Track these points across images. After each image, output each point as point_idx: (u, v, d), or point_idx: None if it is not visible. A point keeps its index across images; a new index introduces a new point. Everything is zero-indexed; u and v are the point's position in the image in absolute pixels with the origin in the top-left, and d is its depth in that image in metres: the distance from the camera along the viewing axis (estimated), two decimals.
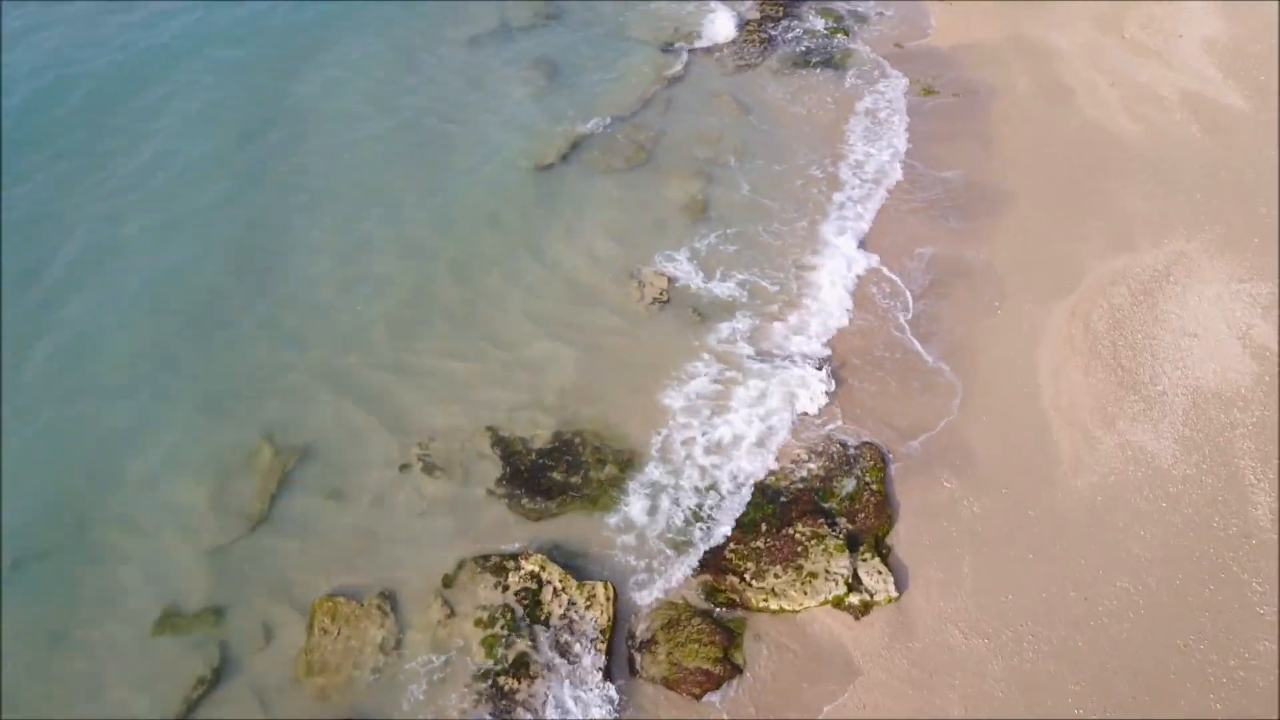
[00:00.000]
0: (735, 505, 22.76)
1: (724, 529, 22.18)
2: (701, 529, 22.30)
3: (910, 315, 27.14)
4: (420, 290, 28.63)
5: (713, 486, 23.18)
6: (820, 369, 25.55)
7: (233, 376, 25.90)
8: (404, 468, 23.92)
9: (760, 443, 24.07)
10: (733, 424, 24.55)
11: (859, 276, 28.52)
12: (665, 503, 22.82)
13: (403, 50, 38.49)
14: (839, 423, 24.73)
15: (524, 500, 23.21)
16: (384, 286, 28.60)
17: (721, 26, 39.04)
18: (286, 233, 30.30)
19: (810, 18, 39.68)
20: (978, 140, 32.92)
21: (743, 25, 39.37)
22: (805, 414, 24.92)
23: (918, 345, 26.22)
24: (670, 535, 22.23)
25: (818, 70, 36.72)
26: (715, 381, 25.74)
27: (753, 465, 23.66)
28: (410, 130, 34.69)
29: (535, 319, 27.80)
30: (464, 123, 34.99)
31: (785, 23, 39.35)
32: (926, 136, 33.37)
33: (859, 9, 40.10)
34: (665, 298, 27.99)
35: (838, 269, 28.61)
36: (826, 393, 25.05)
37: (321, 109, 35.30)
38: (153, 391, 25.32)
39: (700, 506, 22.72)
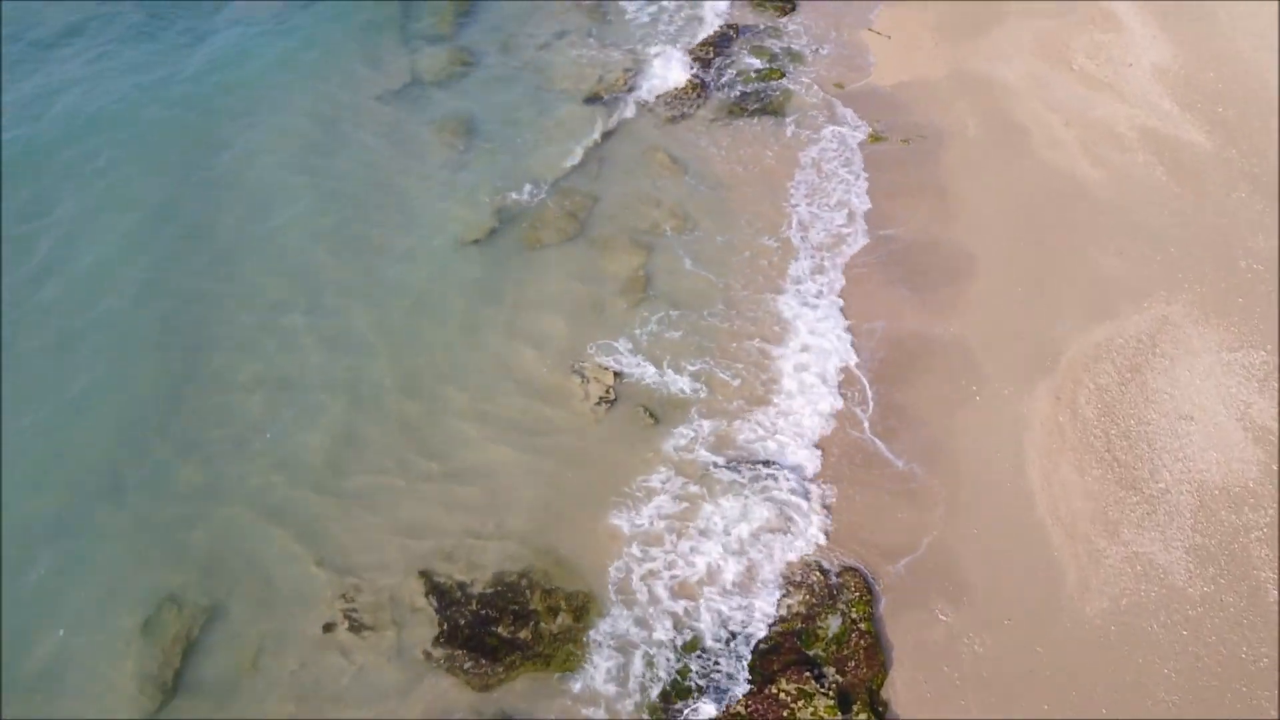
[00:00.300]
0: (724, 675, 19.36)
1: (709, 710, 18.75)
2: (685, 707, 18.85)
3: (871, 409, 24.04)
4: (349, 397, 25.66)
5: (694, 645, 19.76)
6: (804, 487, 22.21)
7: (143, 523, 22.83)
8: (328, 628, 20.43)
9: (741, 583, 20.73)
10: (704, 555, 21.41)
11: (834, 367, 24.95)
12: (637, 664, 19.77)
13: (319, 111, 35.01)
14: (815, 543, 21.47)
15: (467, 664, 19.93)
16: (311, 395, 25.67)
17: (650, 74, 35.38)
18: (207, 332, 27.08)
19: (744, 57, 36.31)
20: (932, 193, 30.03)
21: (671, 71, 35.45)
22: (789, 538, 21.49)
23: (882, 447, 23.13)
24: (646, 711, 18.81)
25: (756, 118, 33.69)
26: (678, 498, 22.65)
27: (734, 611, 20.23)
28: (331, 203, 31.33)
29: (471, 426, 24.95)
30: (384, 194, 31.68)
31: (717, 64, 36.00)
32: (877, 191, 30.68)
33: (794, 46, 36.98)
34: (612, 396, 24.71)
35: (802, 356, 25.24)
36: (816, 517, 21.67)
37: (243, 179, 32.00)
38: (54, 556, 22.15)
39: (681, 673, 19.29)
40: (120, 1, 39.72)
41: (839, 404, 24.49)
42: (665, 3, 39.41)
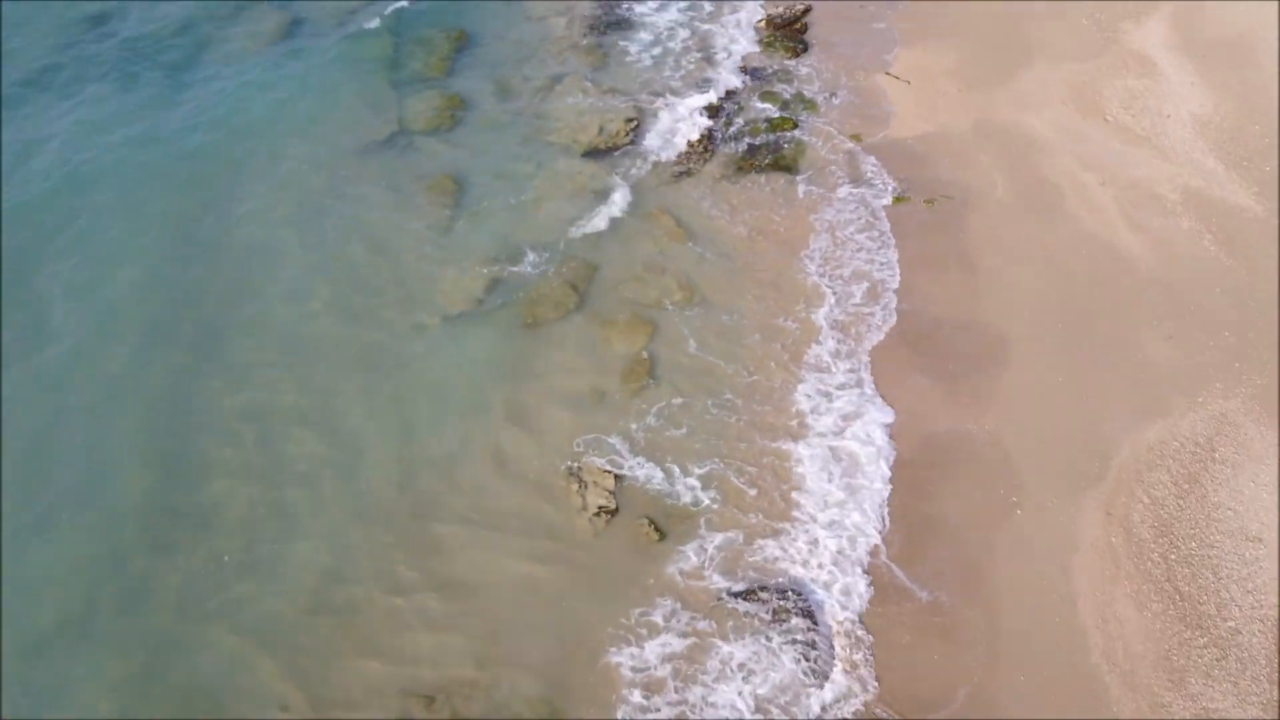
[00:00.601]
0: None
1: None
2: None
3: (887, 527, 21.28)
4: (334, 497, 23.72)
5: None
6: (829, 623, 19.36)
7: (116, 649, 21.00)
8: None
9: None
10: (718, 710, 18.30)
11: (865, 475, 22.27)
12: None
13: (304, 169, 32.65)
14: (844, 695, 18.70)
15: None
16: (295, 494, 23.81)
17: (654, 125, 32.45)
18: (189, 421, 25.25)
19: (753, 104, 33.41)
20: (960, 264, 27.06)
21: (677, 121, 32.43)
22: (812, 689, 18.65)
23: (902, 575, 20.40)
24: None
25: (767, 175, 30.98)
26: (685, 634, 19.58)
27: None
28: (316, 274, 29.28)
29: (461, 530, 22.81)
30: (370, 262, 29.42)
31: (726, 111, 33.17)
32: (901, 260, 27.45)
33: (806, 92, 34.09)
34: (612, 505, 21.89)
35: (824, 460, 22.39)
36: (846, 663, 18.85)
37: (227, 246, 30.11)
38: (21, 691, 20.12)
39: None
40: (103, 43, 36.54)
41: (869, 521, 21.38)
42: (670, 44, 36.24)
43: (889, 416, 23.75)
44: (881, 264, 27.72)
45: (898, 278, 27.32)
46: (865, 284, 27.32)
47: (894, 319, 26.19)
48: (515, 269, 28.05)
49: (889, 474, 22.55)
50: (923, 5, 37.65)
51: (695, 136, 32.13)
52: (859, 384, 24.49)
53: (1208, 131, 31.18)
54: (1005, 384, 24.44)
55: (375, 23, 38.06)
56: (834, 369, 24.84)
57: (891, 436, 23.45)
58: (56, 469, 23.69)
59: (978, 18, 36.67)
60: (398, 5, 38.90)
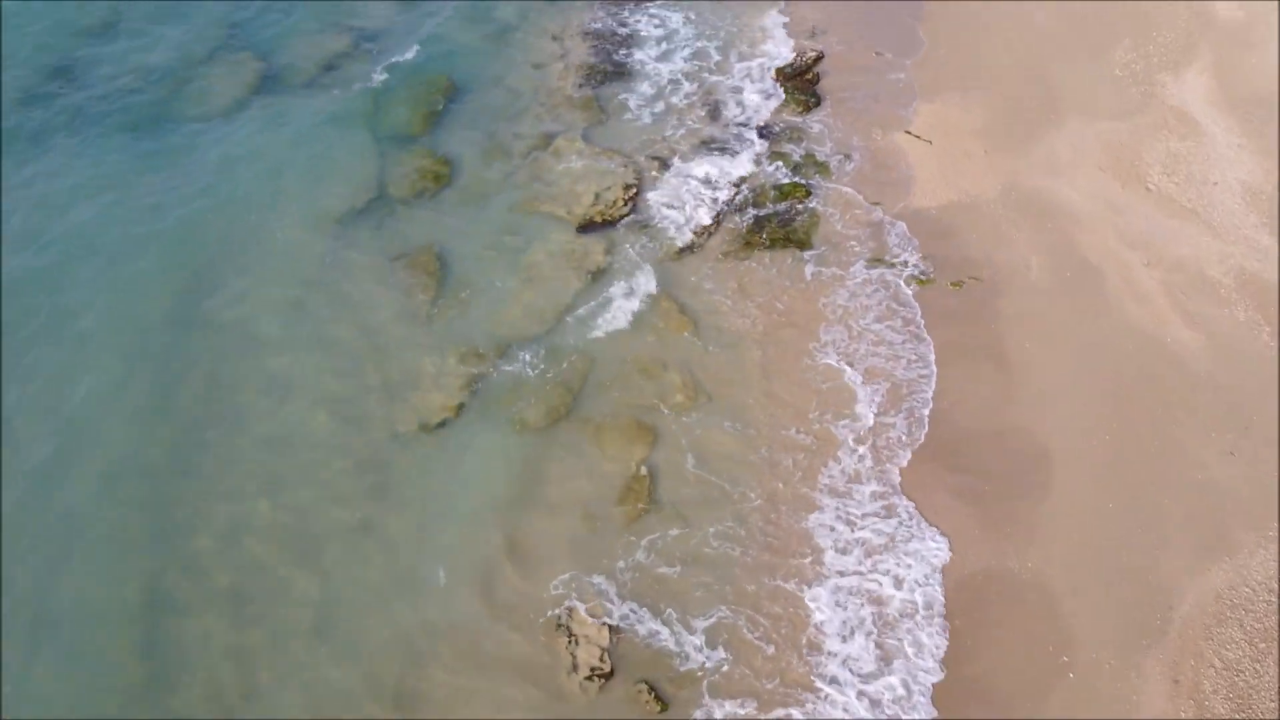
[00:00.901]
0: None
1: None
2: None
3: (936, 678, 18.00)
4: (307, 642, 21.11)
5: None
6: None
7: None
8: None
9: None
10: None
11: (903, 631, 19.19)
12: None
13: (274, 249, 29.61)
14: None
15: None
16: (269, 633, 21.29)
17: (655, 193, 29.36)
18: (167, 544, 22.66)
19: (763, 166, 29.93)
20: (993, 360, 23.91)
21: (680, 190, 29.16)
22: None
23: None
24: None
25: (776, 252, 27.95)
26: None
27: None
28: (285, 376, 26.32)
29: (438, 692, 19.93)
30: (341, 360, 26.65)
31: (730, 174, 29.72)
32: (928, 356, 24.17)
33: (819, 153, 31.36)
34: (606, 666, 18.96)
35: (851, 606, 19.40)
36: None
37: (203, 334, 27.27)
38: None
39: None
40: (72, 96, 33.45)
41: (910, 695, 18.21)
42: (673, 98, 32.98)
43: (935, 558, 20.32)
44: (908, 361, 24.57)
45: (929, 380, 23.92)
46: (887, 384, 24.27)
47: (924, 430, 22.70)
48: (503, 366, 24.91)
49: (939, 647, 19.13)
50: (942, 53, 34.37)
51: (706, 220, 28.81)
52: (887, 511, 21.29)
53: (1259, 202, 27.88)
54: (1049, 510, 21.28)
55: (357, 70, 34.55)
56: (854, 493, 21.65)
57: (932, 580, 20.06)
58: (27, 589, 21.39)
59: (1002, 66, 33.40)
60: (382, 55, 35.36)
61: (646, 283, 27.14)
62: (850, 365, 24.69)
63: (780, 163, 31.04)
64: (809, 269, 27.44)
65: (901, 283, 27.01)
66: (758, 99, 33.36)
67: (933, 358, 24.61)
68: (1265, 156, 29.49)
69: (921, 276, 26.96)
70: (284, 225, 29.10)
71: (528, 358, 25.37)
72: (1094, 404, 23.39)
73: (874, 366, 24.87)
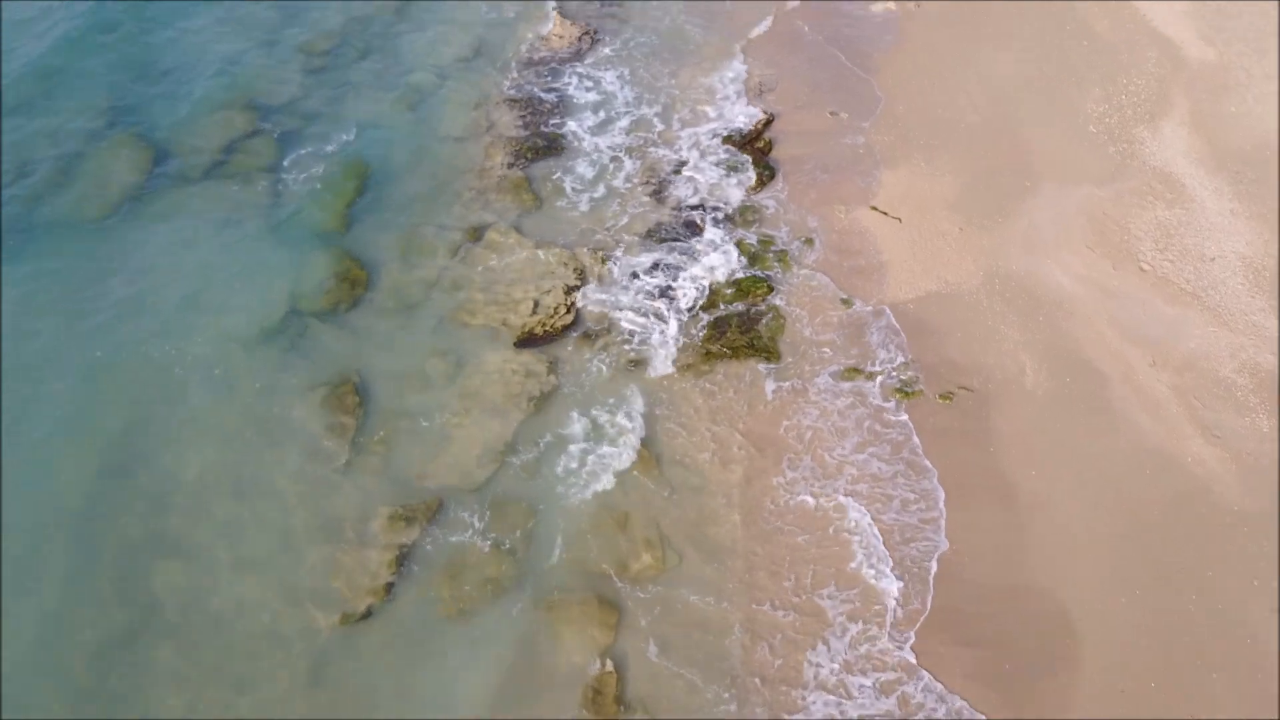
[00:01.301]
0: None
1: None
2: None
3: None
4: None
5: None
6: None
7: None
8: None
9: None
10: None
11: None
12: None
13: (186, 375, 25.23)
14: None
15: None
16: None
17: (597, 295, 25.44)
18: None
19: (715, 256, 26.06)
20: (995, 492, 20.48)
21: (626, 290, 25.16)
22: None
23: None
24: None
25: (739, 363, 24.35)
26: None
27: None
28: (203, 534, 21.89)
29: None
30: (240, 529, 22.30)
31: (684, 274, 25.73)
32: (922, 491, 20.77)
33: (779, 236, 28.15)
34: None
35: None
36: None
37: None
38: None
39: None
40: None
41: None
42: (614, 180, 28.99)
43: None
44: (901, 501, 20.66)
45: (934, 527, 20.13)
46: (878, 532, 20.17)
47: (930, 597, 18.87)
48: (436, 531, 20.74)
49: None
50: (900, 110, 30.74)
51: (657, 330, 24.97)
52: (892, 709, 17.24)
53: (1262, 281, 24.71)
54: (1081, 693, 17.45)
55: (259, 155, 29.92)
56: (849, 687, 17.61)
57: None
58: None
59: (967, 124, 29.87)
60: (287, 137, 30.74)
61: (598, 411, 22.88)
62: (835, 509, 20.67)
63: (736, 251, 26.92)
64: (776, 385, 23.50)
65: (881, 396, 22.91)
66: (706, 175, 29.46)
67: (940, 497, 20.66)
68: (1261, 224, 26.26)
69: (905, 389, 23.08)
70: (177, 357, 24.37)
71: (465, 516, 21.20)
72: (1116, 548, 19.81)
73: (863, 508, 20.74)
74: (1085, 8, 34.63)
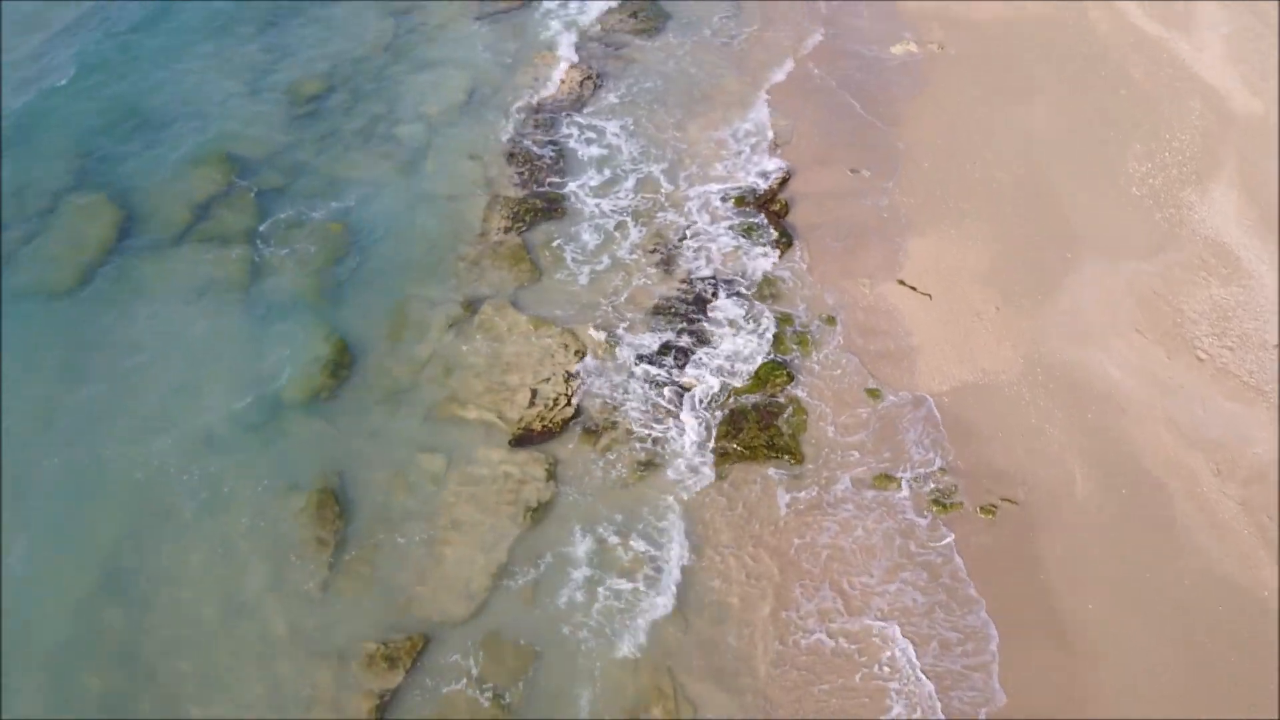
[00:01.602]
0: None
1: None
2: None
3: None
4: None
5: None
6: None
7: None
8: None
9: None
10: None
11: None
12: None
13: (149, 479, 22.46)
14: None
15: None
16: None
17: (601, 383, 23.55)
18: None
19: (727, 340, 24.43)
20: (1050, 629, 18.22)
21: (635, 372, 22.91)
22: None
23: None
24: None
25: (757, 467, 22.74)
26: None
27: None
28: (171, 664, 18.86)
29: None
30: (211, 663, 19.68)
31: (695, 356, 23.71)
32: (969, 635, 18.02)
33: (799, 314, 26.17)
34: None
35: None
36: None
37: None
38: None
39: None
40: None
41: None
42: (619, 249, 26.65)
43: None
44: (942, 643, 17.84)
45: (986, 673, 17.24)
46: (921, 675, 17.27)
47: None
48: (421, 676, 17.94)
49: None
50: (926, 167, 28.00)
51: (666, 425, 22.36)
52: None
53: None
54: None
55: (235, 216, 27.37)
56: None
57: None
58: None
59: (999, 184, 27.17)
60: (266, 196, 28.05)
61: (604, 530, 20.10)
62: (863, 648, 17.77)
63: (752, 332, 24.01)
64: (794, 496, 20.59)
65: (915, 510, 20.12)
66: (718, 242, 26.73)
67: (993, 637, 17.84)
68: None
69: (942, 500, 20.25)
70: (142, 465, 21.62)
71: (455, 659, 18.35)
72: (1195, 696, 16.89)
73: (898, 644, 17.92)
74: (1121, 51, 31.81)
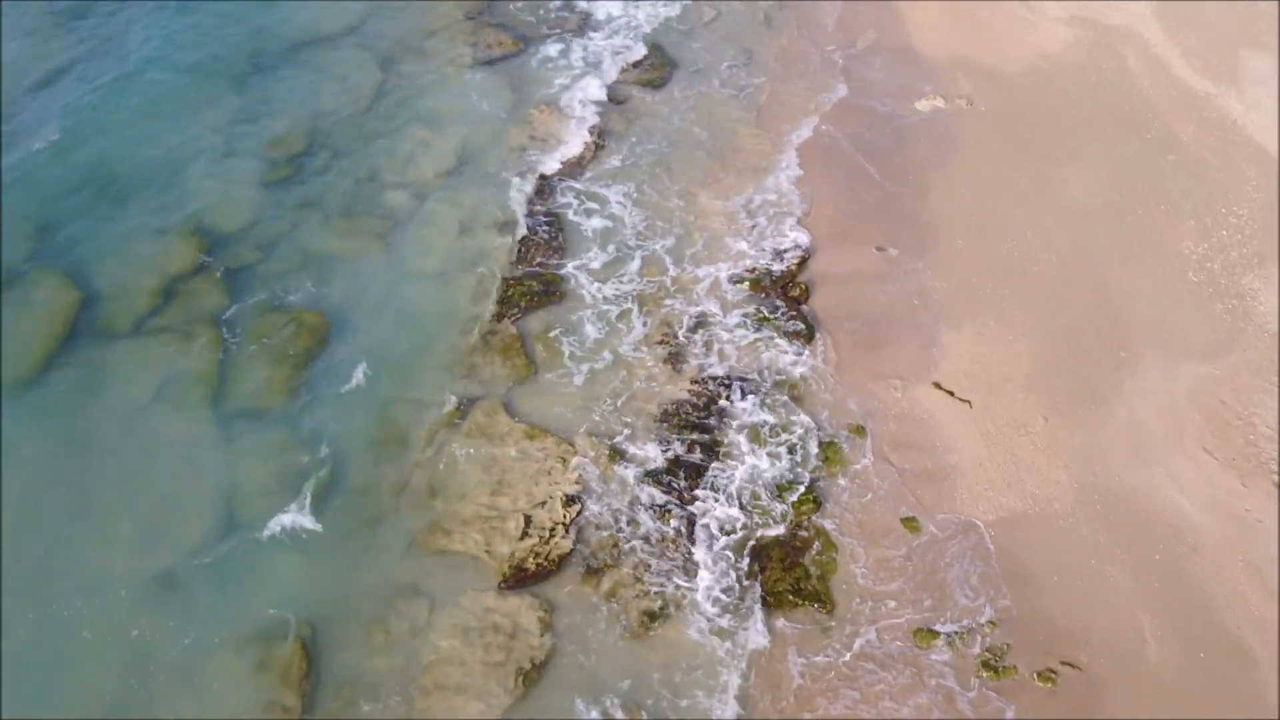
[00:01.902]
0: None
1: None
2: None
3: None
4: None
5: None
6: None
7: None
8: None
9: None
10: None
11: None
12: None
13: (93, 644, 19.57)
14: None
15: None
16: None
17: (599, 506, 20.85)
18: None
19: (746, 457, 21.53)
20: None
21: (641, 497, 20.18)
22: None
23: None
24: None
25: (784, 618, 18.30)
26: None
27: None
28: None
29: None
30: None
31: (708, 473, 21.13)
32: None
33: (822, 423, 22.88)
34: None
35: None
36: None
37: None
38: None
39: None
40: None
41: None
42: (621, 345, 23.72)
43: None
44: None
45: None
46: None
47: None
48: None
49: None
50: (960, 246, 25.02)
51: (678, 564, 19.30)
52: None
53: None
54: None
55: (201, 300, 24.44)
56: None
57: None
58: None
59: (1042, 266, 24.16)
60: (235, 276, 25.07)
61: (610, 705, 16.88)
62: None
63: (770, 447, 20.82)
64: (809, 660, 17.39)
65: (957, 679, 16.90)
66: (732, 334, 23.51)
67: None
68: None
69: (993, 663, 17.04)
70: (88, 617, 18.54)
71: None
72: None
73: None
74: (1166, 109, 28.61)
